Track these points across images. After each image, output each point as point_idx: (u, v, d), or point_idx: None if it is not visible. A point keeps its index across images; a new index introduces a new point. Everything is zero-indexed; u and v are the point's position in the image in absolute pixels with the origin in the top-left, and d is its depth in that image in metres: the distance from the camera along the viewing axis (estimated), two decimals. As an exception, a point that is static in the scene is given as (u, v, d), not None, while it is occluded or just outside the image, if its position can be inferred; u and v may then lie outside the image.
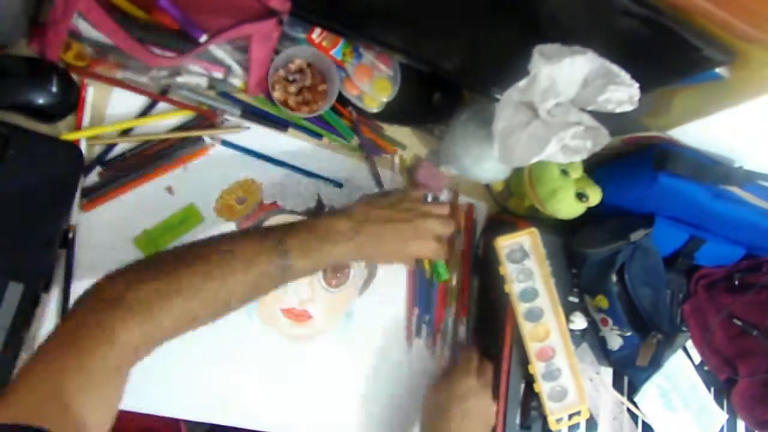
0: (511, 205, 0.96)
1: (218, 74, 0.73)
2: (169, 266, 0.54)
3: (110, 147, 0.71)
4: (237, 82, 0.75)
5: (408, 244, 0.70)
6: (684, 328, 0.99)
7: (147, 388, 0.69)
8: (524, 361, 0.82)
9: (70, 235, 0.67)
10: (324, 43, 0.79)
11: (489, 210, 0.98)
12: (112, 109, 0.72)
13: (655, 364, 0.87)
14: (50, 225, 0.64)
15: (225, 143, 0.77)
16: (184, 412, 0.72)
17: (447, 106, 0.90)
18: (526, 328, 0.82)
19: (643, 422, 0.93)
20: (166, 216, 0.73)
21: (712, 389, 1.00)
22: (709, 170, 0.82)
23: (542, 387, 0.81)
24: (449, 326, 0.89)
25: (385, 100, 0.84)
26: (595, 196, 0.84)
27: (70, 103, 0.68)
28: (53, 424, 0.42)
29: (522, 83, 0.68)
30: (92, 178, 0.70)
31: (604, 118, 0.67)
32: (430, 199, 0.90)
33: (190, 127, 0.76)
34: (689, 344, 1.00)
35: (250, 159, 0.79)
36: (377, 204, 0.71)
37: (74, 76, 0.68)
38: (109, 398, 0.50)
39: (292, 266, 0.60)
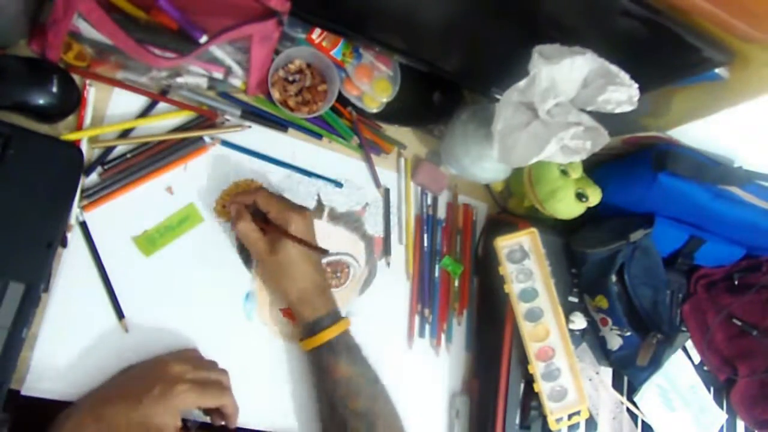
0: (511, 206, 0.96)
1: (218, 74, 0.73)
2: None
3: (111, 147, 0.71)
4: (237, 82, 0.76)
5: (148, 399, 0.60)
6: (684, 328, 0.99)
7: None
8: (524, 361, 0.82)
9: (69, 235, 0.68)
10: (324, 44, 0.79)
11: (489, 210, 0.98)
12: (112, 109, 0.72)
13: (655, 364, 0.87)
14: (50, 225, 0.64)
15: (225, 143, 0.77)
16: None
17: (447, 106, 0.90)
18: (526, 328, 0.82)
19: (643, 422, 0.93)
20: (166, 216, 0.73)
21: (712, 389, 1.00)
22: (709, 170, 0.82)
23: (542, 387, 0.81)
24: (453, 327, 0.89)
25: (385, 100, 0.84)
26: (594, 196, 0.84)
27: (70, 103, 0.68)
28: None
29: (522, 83, 0.68)
30: (92, 178, 0.70)
31: (604, 118, 0.67)
32: (429, 200, 0.90)
33: (190, 127, 0.76)
34: (689, 344, 1.00)
35: (250, 159, 0.79)
36: (124, 373, 0.66)
37: (75, 77, 0.68)
38: None
39: None
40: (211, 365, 0.69)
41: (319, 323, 0.72)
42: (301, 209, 0.73)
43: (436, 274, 0.89)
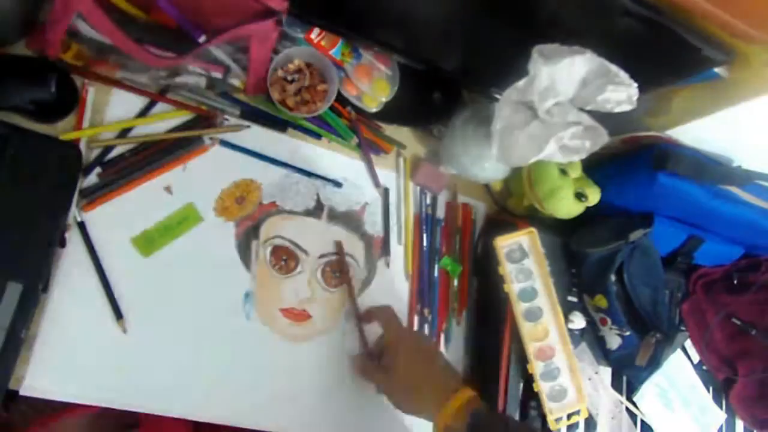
0: (510, 205, 0.96)
1: (217, 74, 0.73)
2: None
3: (109, 147, 0.71)
4: (236, 82, 0.75)
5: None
6: (683, 328, 0.99)
7: (147, 387, 0.69)
8: (523, 361, 0.82)
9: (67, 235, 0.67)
10: (323, 43, 0.79)
11: (488, 210, 0.98)
12: (111, 109, 0.72)
13: (654, 363, 0.88)
14: (49, 225, 0.64)
15: (224, 143, 0.77)
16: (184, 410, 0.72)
17: (446, 106, 0.90)
18: (525, 327, 0.82)
19: (642, 421, 0.93)
20: (164, 216, 0.73)
21: (711, 389, 1.00)
22: (708, 170, 0.82)
23: (541, 386, 0.81)
24: (452, 327, 0.89)
25: (384, 99, 0.84)
26: (594, 196, 0.84)
27: (69, 103, 0.68)
28: None
29: (521, 83, 0.68)
30: (91, 178, 0.70)
31: (603, 117, 0.67)
32: (429, 200, 0.90)
33: (189, 127, 0.76)
34: (688, 344, 1.00)
35: (250, 159, 0.79)
36: None
37: (74, 77, 0.68)
38: None
39: None
40: None
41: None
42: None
43: (435, 274, 0.89)
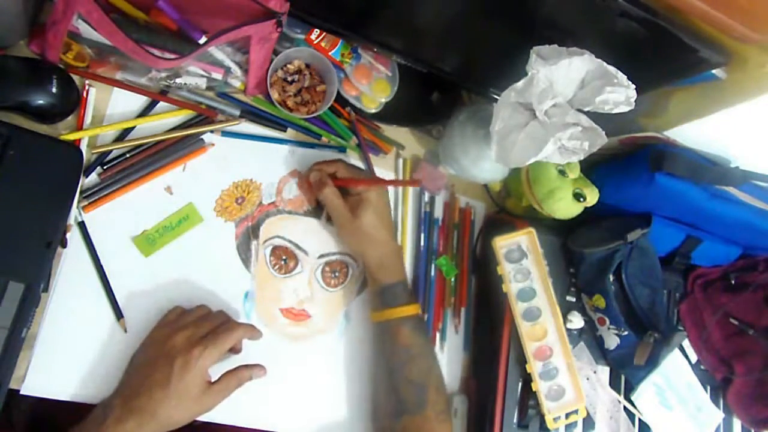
0: (509, 206, 0.97)
1: (217, 75, 0.73)
2: None
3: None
4: (236, 82, 0.76)
5: (175, 377, 0.63)
6: (680, 328, 1.00)
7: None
8: (522, 360, 0.82)
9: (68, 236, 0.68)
10: (323, 44, 0.80)
11: (487, 210, 0.98)
12: (112, 109, 0.72)
13: (652, 363, 0.88)
14: (50, 225, 0.64)
15: (226, 134, 0.78)
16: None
17: (445, 107, 0.90)
18: (524, 327, 0.82)
19: (640, 421, 0.93)
20: (165, 216, 0.74)
21: (709, 388, 1.00)
22: (706, 170, 0.83)
23: (540, 386, 0.81)
24: (447, 325, 0.90)
25: (383, 100, 0.84)
26: (592, 196, 0.84)
27: (70, 103, 0.68)
28: None
29: (520, 84, 0.68)
30: (92, 178, 0.71)
31: (601, 118, 0.68)
32: (427, 198, 0.91)
33: (188, 125, 0.76)
34: (686, 343, 1.00)
35: (249, 159, 0.80)
36: (134, 365, 0.67)
37: (74, 77, 0.68)
38: None
39: None
40: (204, 312, 0.71)
41: (393, 290, 0.76)
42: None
43: (432, 273, 0.89)
